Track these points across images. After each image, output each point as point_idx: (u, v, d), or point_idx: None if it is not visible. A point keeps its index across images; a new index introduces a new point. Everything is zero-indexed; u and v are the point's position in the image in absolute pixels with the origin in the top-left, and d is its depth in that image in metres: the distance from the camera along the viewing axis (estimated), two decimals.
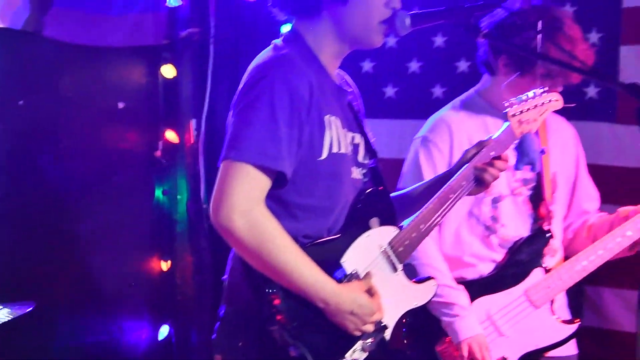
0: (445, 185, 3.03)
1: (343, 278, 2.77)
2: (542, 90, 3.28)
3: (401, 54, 5.43)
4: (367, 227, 2.88)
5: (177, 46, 5.65)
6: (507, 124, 3.20)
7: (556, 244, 3.79)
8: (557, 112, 3.90)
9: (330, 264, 2.76)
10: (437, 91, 5.36)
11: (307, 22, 2.87)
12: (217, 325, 2.89)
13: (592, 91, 4.98)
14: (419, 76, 5.42)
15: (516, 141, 3.26)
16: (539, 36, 3.45)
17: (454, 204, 3.04)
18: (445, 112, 3.79)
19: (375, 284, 2.81)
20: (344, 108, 2.92)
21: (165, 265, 5.71)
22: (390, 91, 5.50)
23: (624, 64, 4.91)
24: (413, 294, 2.98)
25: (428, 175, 3.60)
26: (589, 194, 3.93)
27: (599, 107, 4.98)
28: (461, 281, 3.70)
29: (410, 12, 2.89)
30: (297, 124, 2.70)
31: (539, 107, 3.27)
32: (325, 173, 2.79)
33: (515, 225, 3.72)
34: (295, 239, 2.73)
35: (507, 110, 3.22)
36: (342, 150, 2.83)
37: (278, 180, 2.72)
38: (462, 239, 3.72)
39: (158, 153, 5.66)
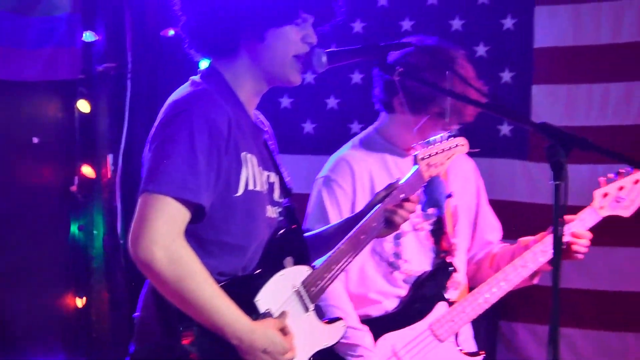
0: (356, 227, 3.04)
1: (256, 317, 2.76)
2: (448, 134, 3.34)
3: (319, 91, 5.47)
4: (281, 266, 2.87)
5: (93, 81, 5.61)
6: (415, 167, 3.25)
7: (460, 277, 3.83)
8: (470, 148, 3.98)
9: (244, 303, 2.73)
10: (355, 127, 5.40)
11: (225, 60, 2.87)
12: None
13: (505, 129, 5.08)
14: (337, 112, 5.47)
15: (424, 184, 3.30)
16: (448, 74, 3.50)
17: (365, 244, 3.07)
18: (346, 151, 3.81)
19: (288, 323, 2.81)
20: (260, 146, 2.92)
21: (80, 302, 5.63)
22: (308, 127, 5.53)
23: (536, 102, 5.02)
24: (323, 334, 2.98)
25: (332, 214, 3.63)
26: (491, 225, 3.99)
27: (512, 144, 5.08)
28: (367, 319, 3.70)
29: (326, 50, 2.92)
30: (215, 158, 2.69)
31: (446, 151, 3.32)
32: (241, 210, 2.78)
33: (419, 260, 3.75)
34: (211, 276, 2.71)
35: (416, 153, 3.26)
36: (258, 188, 2.83)
37: (196, 214, 2.70)
38: (366, 277, 3.74)
39: (74, 188, 5.60)
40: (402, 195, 3.11)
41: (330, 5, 2.91)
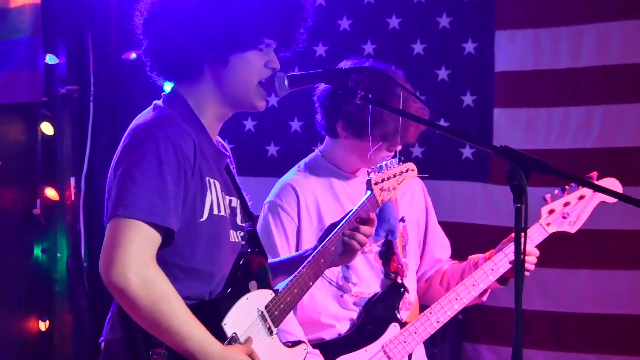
0: (316, 251, 3.07)
1: (223, 341, 2.75)
2: (398, 160, 3.37)
3: (283, 113, 5.50)
4: (246, 290, 2.87)
5: (56, 103, 5.60)
6: (369, 192, 3.27)
7: (411, 297, 3.84)
8: (436, 174, 4.02)
9: (212, 327, 2.71)
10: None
11: (188, 84, 2.86)
12: None
13: (467, 152, 5.12)
14: (300, 135, 5.49)
15: (377, 208, 3.33)
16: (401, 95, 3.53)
17: (325, 268, 3.10)
18: (292, 176, 3.82)
19: (254, 347, 2.81)
20: (222, 171, 2.92)
21: (43, 325, 5.60)
22: (272, 149, 5.55)
23: (497, 125, 5.07)
24: (287, 358, 2.99)
25: (278, 239, 3.64)
26: (441, 243, 4.01)
27: (473, 167, 5.12)
28: (320, 342, 3.71)
29: (288, 74, 2.94)
30: (182, 182, 2.68)
31: (397, 176, 3.36)
32: (206, 235, 2.77)
33: (368, 282, 3.76)
34: None
35: (369, 178, 3.29)
36: (222, 213, 2.82)
37: (165, 238, 2.68)
38: (317, 302, 3.74)
39: (37, 211, 5.58)
40: (357, 219, 3.14)
41: (293, 32, 2.92)
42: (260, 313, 2.88)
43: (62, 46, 5.60)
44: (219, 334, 2.73)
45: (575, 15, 4.92)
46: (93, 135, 5.62)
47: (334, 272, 3.72)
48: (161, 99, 2.87)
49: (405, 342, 3.71)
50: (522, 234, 2.50)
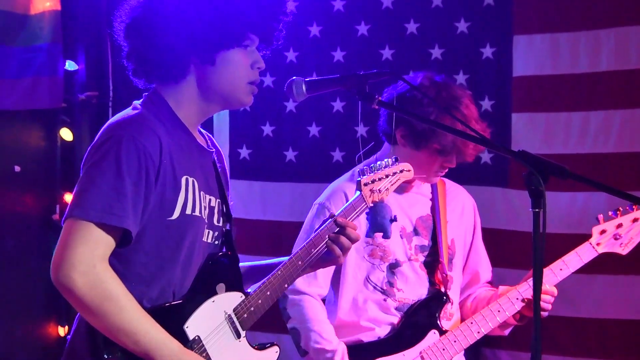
0: (293, 253, 3.04)
1: (185, 343, 2.75)
2: (393, 159, 3.35)
3: (301, 119, 5.49)
4: (213, 293, 2.86)
5: (75, 109, 5.63)
6: (358, 193, 3.24)
7: (453, 309, 3.85)
8: (456, 179, 4.01)
9: (173, 329, 2.71)
10: (337, 155, 5.43)
11: (169, 84, 2.86)
12: None
13: (486, 157, 5.11)
14: (318, 140, 5.49)
15: (367, 209, 3.30)
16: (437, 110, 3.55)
17: (303, 271, 3.04)
18: (344, 182, 3.83)
19: (218, 350, 2.80)
20: (206, 169, 2.92)
21: (62, 331, 5.62)
22: (290, 155, 5.55)
23: (515, 130, 5.06)
24: None
25: None
26: (484, 263, 4.01)
27: (492, 172, 5.10)
28: (358, 344, 3.73)
29: (306, 79, 2.94)
30: (143, 182, 2.67)
31: (390, 176, 3.34)
32: (174, 234, 2.77)
33: (413, 289, 3.77)
34: (140, 301, 2.69)
35: (359, 179, 3.27)
36: (196, 213, 2.81)
37: (124, 238, 2.69)
38: (358, 305, 3.76)
39: (56, 216, 5.60)
40: (340, 221, 3.07)
41: (273, 27, 2.91)
42: (227, 316, 2.87)
43: (82, 52, 5.63)
44: (181, 337, 2.73)
45: (595, 20, 4.90)
46: None
47: (379, 277, 3.73)
48: (141, 99, 2.88)
49: (444, 349, 3.72)
50: (540, 240, 2.50)
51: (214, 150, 2.98)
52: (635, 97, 4.87)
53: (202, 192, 2.84)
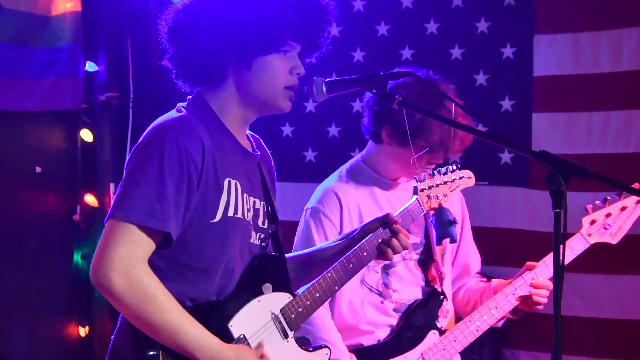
0: (345, 256, 3.03)
1: (230, 342, 2.76)
2: (454, 166, 3.34)
3: (321, 119, 5.50)
4: (259, 293, 2.86)
5: (96, 110, 5.65)
6: (415, 197, 3.24)
7: (448, 305, 3.84)
8: (475, 178, 4.00)
9: (217, 328, 2.72)
10: (356, 155, 5.42)
11: (212, 87, 2.87)
12: None
13: (506, 157, 5.10)
14: (338, 140, 5.49)
15: (423, 215, 3.30)
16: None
17: (354, 274, 3.05)
18: (333, 182, 3.82)
19: (266, 351, 2.80)
20: (249, 172, 2.93)
21: (83, 331, 5.63)
22: (310, 155, 5.56)
23: (536, 130, 5.05)
24: None
25: (319, 245, 3.64)
26: (473, 255, 3.99)
27: (513, 172, 5.09)
28: (359, 348, 3.71)
29: (326, 80, 2.93)
30: (185, 185, 2.68)
31: (449, 183, 3.32)
32: (217, 236, 2.77)
33: (408, 289, 3.75)
34: (182, 301, 2.70)
35: (416, 184, 3.26)
36: (239, 215, 2.82)
37: (164, 240, 2.69)
38: (355, 309, 3.73)
39: (77, 217, 5.62)
40: (395, 227, 3.09)
41: (316, 34, 2.92)
42: (274, 316, 2.87)
43: (102, 53, 5.64)
44: (225, 335, 2.74)
45: (616, 19, 4.88)
46: (132, 141, 5.65)
47: (374, 279, 3.71)
48: (185, 102, 2.90)
49: (444, 349, 3.70)
50: (561, 240, 2.49)
51: (259, 153, 2.99)
52: None
53: (245, 195, 2.85)
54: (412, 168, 3.56)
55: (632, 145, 4.89)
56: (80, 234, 5.63)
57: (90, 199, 5.63)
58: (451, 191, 3.33)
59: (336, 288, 3.00)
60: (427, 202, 3.25)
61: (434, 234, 3.74)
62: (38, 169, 5.41)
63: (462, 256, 3.94)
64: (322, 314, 3.66)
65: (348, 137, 5.47)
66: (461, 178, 3.37)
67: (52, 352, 5.54)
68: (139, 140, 2.76)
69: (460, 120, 3.52)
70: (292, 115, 5.68)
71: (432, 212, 3.35)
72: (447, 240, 3.82)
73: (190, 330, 2.66)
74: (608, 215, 3.76)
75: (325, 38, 2.94)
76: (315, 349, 3.00)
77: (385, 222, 3.09)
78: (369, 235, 3.07)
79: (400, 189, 3.75)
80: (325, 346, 3.04)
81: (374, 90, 2.90)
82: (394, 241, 3.06)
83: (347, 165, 3.86)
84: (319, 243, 3.58)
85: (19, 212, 5.30)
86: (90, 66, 5.57)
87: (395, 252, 3.06)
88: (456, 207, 3.93)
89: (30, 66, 5.21)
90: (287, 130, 5.56)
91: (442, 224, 3.63)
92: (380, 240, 3.07)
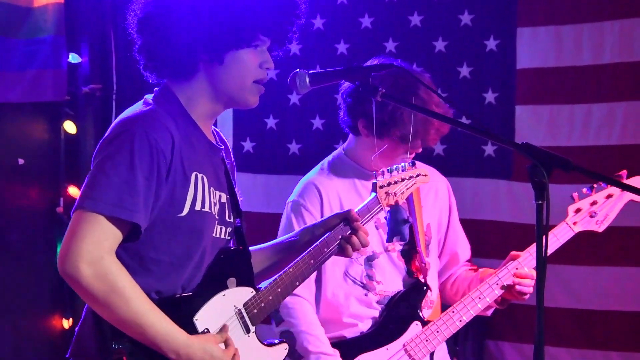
0: (306, 251, 3.04)
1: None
2: (411, 163, 3.34)
3: (305, 111, 5.50)
4: (224, 287, 2.87)
5: (79, 102, 5.63)
6: (373, 194, 3.24)
7: (433, 296, 3.84)
8: (459, 171, 4.00)
9: (182, 322, 2.73)
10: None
11: (181, 80, 2.87)
12: None
13: (489, 149, 5.11)
14: (322, 133, 5.49)
15: (383, 212, 3.31)
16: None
17: (314, 270, 3.06)
18: (314, 175, 3.83)
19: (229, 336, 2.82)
20: (216, 166, 2.93)
21: (66, 323, 5.62)
22: (294, 147, 5.55)
23: (519, 123, 5.06)
24: (263, 357, 2.97)
25: None
26: (462, 243, 4.00)
27: (496, 164, 5.10)
28: (341, 340, 3.71)
29: (310, 72, 2.94)
30: (155, 178, 2.69)
31: (406, 180, 3.33)
32: (185, 230, 2.78)
33: (392, 280, 3.76)
34: (148, 294, 2.70)
35: (375, 181, 3.27)
36: (206, 209, 2.82)
37: (132, 232, 2.70)
38: (339, 301, 3.74)
39: (60, 209, 5.60)
40: (356, 223, 3.10)
41: (286, 29, 2.92)
42: (237, 310, 2.88)
43: (85, 45, 5.62)
44: (190, 329, 2.74)
45: (598, 12, 4.90)
46: None
47: (357, 271, 3.72)
48: (152, 94, 2.89)
49: (427, 340, 3.71)
50: (543, 232, 2.50)
51: (223, 147, 2.99)
52: (639, 89, 4.86)
53: (212, 188, 2.85)
54: (382, 159, 3.57)
55: (614, 138, 4.90)
56: (64, 226, 5.60)
57: (73, 191, 5.62)
58: (408, 188, 3.33)
59: (297, 283, 3.01)
60: (386, 199, 3.25)
61: (416, 223, 3.75)
62: (21, 161, 5.39)
63: (450, 244, 3.95)
64: (305, 308, 3.67)
65: (332, 129, 5.46)
66: (417, 176, 3.37)
67: (36, 345, 5.53)
68: (107, 133, 2.76)
69: (434, 109, 3.53)
70: (276, 107, 5.69)
71: (388, 209, 3.35)
72: (432, 227, 3.83)
73: (156, 322, 2.66)
74: (594, 203, 3.76)
75: (294, 32, 2.95)
76: (274, 344, 3.01)
77: (346, 218, 3.11)
78: (330, 232, 3.08)
79: None
80: (284, 342, 3.04)
81: (357, 83, 2.91)
82: (354, 238, 3.08)
83: (329, 157, 3.87)
84: None
85: (1, 204, 5.28)
86: (73, 58, 5.55)
87: (354, 249, 3.08)
88: (442, 195, 3.94)
89: (12, 58, 5.18)
90: (271, 122, 5.55)
91: (395, 221, 3.65)
92: (340, 237, 3.08)
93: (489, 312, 3.88)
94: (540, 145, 2.58)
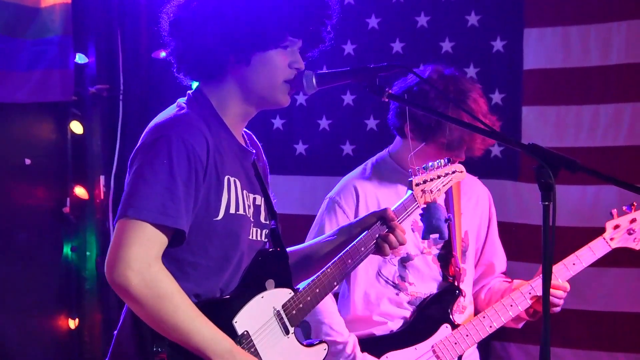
0: (343, 251, 3.05)
1: (234, 338, 2.76)
2: (446, 160, 3.35)
3: (311, 112, 5.50)
4: (262, 289, 2.88)
5: (85, 102, 5.63)
6: (409, 192, 3.26)
7: (465, 302, 3.85)
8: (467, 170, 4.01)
9: (222, 324, 2.74)
10: (347, 148, 5.43)
11: (212, 83, 2.89)
12: None
13: (496, 150, 5.11)
14: (328, 133, 5.49)
15: (419, 210, 3.31)
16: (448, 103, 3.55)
17: (352, 269, 3.08)
18: (355, 175, 3.84)
19: (267, 346, 2.83)
20: (247, 169, 2.94)
21: (73, 323, 5.63)
22: (300, 148, 5.55)
23: (526, 123, 5.05)
24: (303, 358, 2.97)
25: None
26: (499, 255, 4.00)
27: (503, 165, 5.10)
28: (370, 337, 3.73)
29: (316, 72, 2.94)
30: (193, 183, 2.70)
31: (442, 177, 3.34)
32: (221, 233, 2.79)
33: (425, 283, 3.77)
34: None
35: (411, 179, 3.27)
36: (240, 212, 2.84)
37: (175, 238, 2.72)
38: (371, 300, 3.76)
39: (66, 209, 5.61)
40: (393, 222, 3.10)
41: (318, 29, 2.93)
42: (276, 312, 2.88)
43: (92, 45, 5.63)
44: (230, 332, 2.76)
45: (605, 13, 4.89)
46: (122, 134, 5.64)
47: (390, 271, 3.73)
48: (185, 98, 2.90)
49: (456, 343, 3.72)
50: (550, 233, 2.49)
51: (254, 151, 2.99)
52: None
53: (245, 191, 2.87)
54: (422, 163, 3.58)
55: (621, 139, 4.90)
56: (70, 226, 5.62)
57: (80, 192, 5.62)
58: (444, 185, 3.33)
59: (335, 284, 3.02)
60: (422, 197, 3.25)
61: (454, 228, 3.76)
62: (27, 161, 5.39)
63: (487, 255, 3.96)
64: (325, 298, 3.68)
65: (339, 129, 5.47)
66: (454, 172, 3.38)
67: (42, 345, 5.53)
68: (143, 138, 2.76)
69: (481, 119, 3.52)
70: (283, 108, 5.69)
71: (424, 206, 3.36)
72: (470, 235, 3.83)
73: (202, 330, 2.68)
74: (633, 220, 3.78)
75: (327, 32, 2.95)
76: (314, 344, 3.01)
77: (382, 217, 3.11)
78: (367, 231, 3.09)
79: None
80: (324, 341, 3.05)
81: (364, 83, 2.91)
82: (391, 237, 3.08)
83: (373, 159, 3.88)
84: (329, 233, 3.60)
85: (8, 204, 5.28)
86: (80, 58, 5.55)
87: (391, 247, 3.08)
88: (483, 205, 3.95)
89: (19, 58, 5.18)
90: (277, 122, 5.55)
91: (431, 218, 3.64)
92: (377, 236, 3.08)
93: (520, 325, 3.89)
94: (546, 146, 2.58)
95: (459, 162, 3.68)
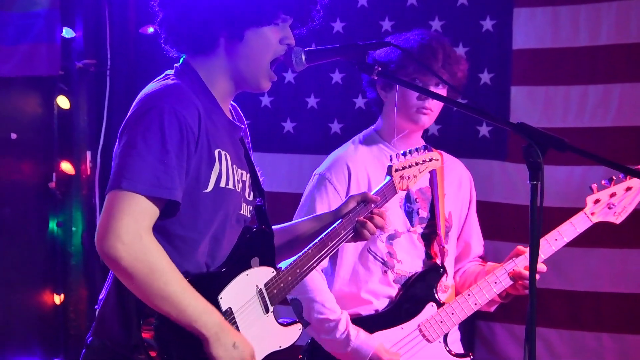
0: (324, 233, 3.05)
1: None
2: (424, 147, 3.35)
3: (299, 90, 5.49)
4: (248, 266, 2.87)
5: (72, 77, 5.60)
6: (388, 178, 3.25)
7: (449, 281, 3.86)
8: (454, 152, 4.02)
9: (207, 299, 2.72)
10: (335, 126, 5.42)
11: (201, 56, 2.86)
12: (82, 354, 2.83)
13: (484, 130, 5.11)
14: (317, 111, 5.48)
15: (398, 195, 3.33)
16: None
17: (332, 251, 3.07)
18: (344, 151, 3.84)
19: (247, 323, 2.83)
20: (235, 144, 2.92)
21: (58, 299, 5.63)
22: (288, 126, 5.54)
23: (514, 103, 5.05)
24: (279, 337, 2.97)
25: (321, 211, 3.63)
26: (477, 237, 4.02)
27: (491, 145, 5.10)
28: (357, 317, 3.73)
29: (305, 49, 2.93)
30: (185, 154, 2.68)
31: (419, 164, 3.34)
32: (209, 206, 2.77)
33: (410, 261, 3.78)
34: None
35: (390, 164, 3.27)
36: (230, 186, 2.82)
37: (167, 209, 2.69)
38: (359, 276, 3.76)
39: (52, 184, 5.59)
40: (373, 206, 3.11)
41: (309, 7, 2.91)
42: (258, 290, 2.88)
43: (79, 19, 5.60)
44: (215, 307, 2.73)
45: None
46: (109, 109, 5.62)
47: (379, 247, 3.73)
48: (173, 70, 2.88)
49: (442, 322, 3.73)
50: (537, 213, 2.49)
51: (242, 126, 2.98)
52: (635, 71, 4.86)
53: (234, 166, 2.85)
54: (407, 115, 3.65)
55: (609, 119, 4.90)
56: (56, 201, 5.61)
57: (66, 167, 5.60)
58: (420, 172, 3.34)
59: (315, 265, 3.01)
60: (400, 183, 3.26)
61: (439, 208, 3.78)
62: (13, 136, 5.37)
63: (464, 236, 3.98)
64: (314, 276, 3.68)
65: (327, 108, 5.46)
66: (430, 160, 3.38)
67: (27, 320, 5.53)
68: (133, 108, 2.73)
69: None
70: (271, 85, 5.67)
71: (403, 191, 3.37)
72: (453, 216, 3.85)
73: (193, 302, 2.66)
74: (613, 195, 3.78)
75: (317, 11, 2.93)
76: (289, 324, 3.01)
77: (363, 201, 3.12)
78: (348, 215, 3.09)
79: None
80: (299, 322, 3.04)
81: (354, 61, 2.90)
82: (369, 223, 3.09)
83: (360, 135, 3.89)
84: (322, 209, 3.60)
85: None
86: (67, 32, 5.52)
87: (370, 232, 3.09)
88: (465, 187, 3.96)
89: (5, 31, 5.16)
90: (265, 100, 5.54)
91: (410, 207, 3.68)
92: (356, 220, 3.09)
93: (492, 308, 3.90)
94: (535, 126, 2.57)
95: (429, 108, 3.69)
